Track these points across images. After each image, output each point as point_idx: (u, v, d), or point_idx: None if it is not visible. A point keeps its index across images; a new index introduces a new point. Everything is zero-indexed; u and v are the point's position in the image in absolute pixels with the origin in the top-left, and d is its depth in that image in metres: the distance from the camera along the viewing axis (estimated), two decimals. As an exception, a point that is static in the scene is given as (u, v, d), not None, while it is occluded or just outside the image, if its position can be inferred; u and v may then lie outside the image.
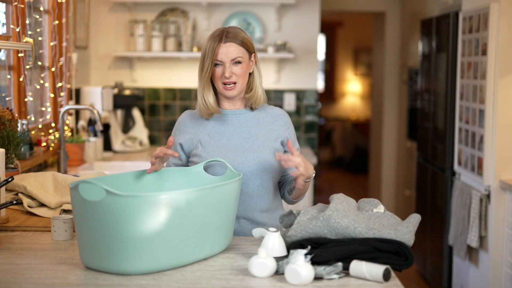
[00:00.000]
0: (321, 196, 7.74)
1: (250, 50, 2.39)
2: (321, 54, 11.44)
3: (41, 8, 3.83)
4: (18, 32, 3.27)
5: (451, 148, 4.61)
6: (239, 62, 2.34)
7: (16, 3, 3.23)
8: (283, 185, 2.52)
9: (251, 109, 2.45)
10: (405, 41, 6.70)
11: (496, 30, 3.82)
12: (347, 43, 11.30)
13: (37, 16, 3.69)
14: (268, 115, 2.47)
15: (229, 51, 2.32)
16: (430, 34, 5.12)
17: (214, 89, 2.42)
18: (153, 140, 5.12)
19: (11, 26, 3.29)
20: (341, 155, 11.24)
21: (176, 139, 2.44)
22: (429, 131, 5.11)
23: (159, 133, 5.14)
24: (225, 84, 2.35)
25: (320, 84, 11.47)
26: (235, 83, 2.35)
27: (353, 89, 11.38)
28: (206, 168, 2.33)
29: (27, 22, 3.44)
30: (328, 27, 11.03)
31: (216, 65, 2.34)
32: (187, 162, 2.44)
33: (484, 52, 3.92)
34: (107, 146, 4.60)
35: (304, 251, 1.82)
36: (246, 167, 2.34)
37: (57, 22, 3.95)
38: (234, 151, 2.36)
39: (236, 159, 2.34)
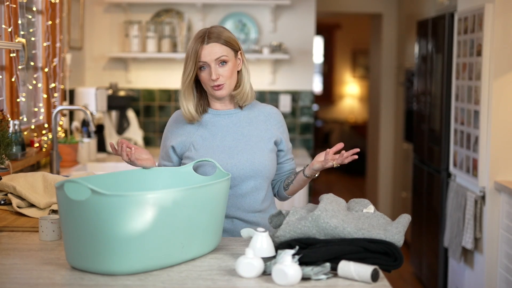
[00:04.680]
0: (317, 198, 7.72)
1: (235, 48, 2.34)
2: (319, 56, 11.42)
3: (34, 8, 3.81)
4: (10, 32, 3.25)
5: (447, 150, 4.59)
6: (225, 62, 2.30)
7: (8, 3, 3.21)
8: (277, 182, 2.51)
9: (240, 107, 2.42)
10: (401, 43, 6.69)
11: (490, 30, 3.80)
12: (345, 45, 11.30)
13: (30, 16, 3.68)
14: (260, 113, 2.44)
15: (212, 51, 2.27)
16: (426, 36, 5.10)
17: (197, 92, 2.38)
18: (148, 142, 5.11)
19: (3, 26, 3.27)
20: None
21: (168, 142, 2.41)
22: (425, 132, 5.10)
23: (154, 134, 5.13)
24: (212, 86, 2.31)
25: (318, 86, 11.46)
26: (223, 84, 2.31)
27: (351, 91, 11.37)
28: (196, 168, 2.31)
29: (20, 22, 3.42)
30: (326, 29, 11.02)
31: (201, 68, 2.30)
32: (180, 164, 2.41)
33: (479, 53, 3.90)
34: (102, 147, 4.58)
35: (292, 251, 1.81)
36: (239, 169, 2.32)
37: (50, 22, 3.93)
38: (228, 152, 2.34)
39: (229, 161, 2.32)
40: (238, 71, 2.38)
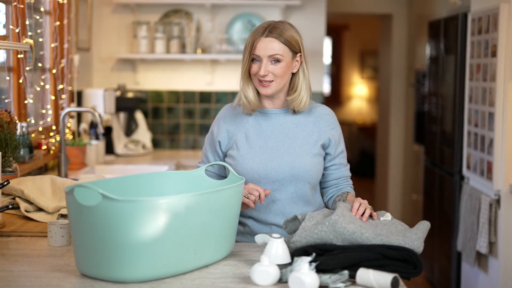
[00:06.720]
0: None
1: (294, 49, 2.23)
2: (327, 57, 11.36)
3: (42, 9, 3.76)
4: (18, 33, 3.21)
5: (460, 152, 4.52)
6: (278, 61, 2.19)
7: (15, 4, 3.17)
8: (327, 192, 2.40)
9: (294, 111, 2.29)
10: (412, 44, 6.62)
11: (506, 31, 3.74)
12: (354, 46, 11.23)
13: (38, 17, 3.63)
14: (310, 115, 2.31)
15: (267, 47, 2.18)
16: (438, 36, 5.04)
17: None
18: (156, 144, 5.06)
19: (11, 26, 3.23)
20: (347, 159, 11.13)
21: (215, 135, 2.33)
22: (437, 134, 5.03)
23: (162, 136, 5.08)
24: (260, 81, 2.22)
25: (326, 87, 11.40)
26: (271, 81, 2.21)
27: (359, 93, 11.31)
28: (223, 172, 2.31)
29: (27, 23, 3.38)
30: (334, 30, 10.96)
31: (253, 60, 2.21)
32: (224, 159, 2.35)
33: (494, 54, 3.84)
34: (110, 149, 4.53)
35: (309, 258, 1.75)
36: (279, 174, 2.22)
37: (58, 23, 3.89)
38: (269, 154, 2.24)
39: (268, 163, 2.22)
40: (294, 73, 2.27)
